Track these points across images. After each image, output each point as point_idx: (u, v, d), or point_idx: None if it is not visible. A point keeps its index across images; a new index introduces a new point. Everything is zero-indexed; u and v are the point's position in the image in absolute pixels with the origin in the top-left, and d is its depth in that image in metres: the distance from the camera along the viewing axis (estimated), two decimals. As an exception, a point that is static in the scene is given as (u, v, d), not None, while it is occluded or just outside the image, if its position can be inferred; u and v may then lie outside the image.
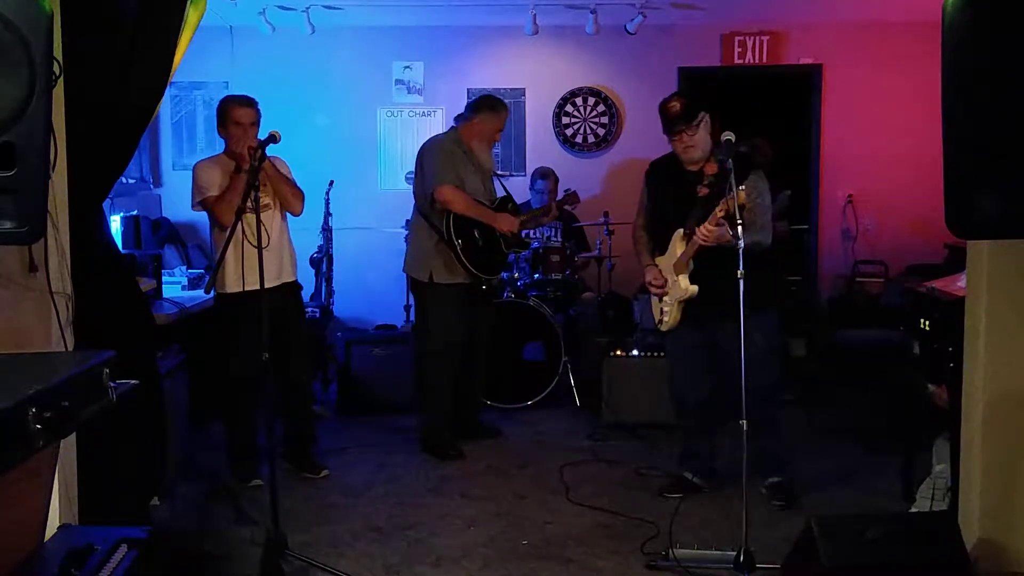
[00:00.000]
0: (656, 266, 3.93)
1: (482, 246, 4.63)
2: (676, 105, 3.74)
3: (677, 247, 3.78)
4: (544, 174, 6.14)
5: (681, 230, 3.74)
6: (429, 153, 4.66)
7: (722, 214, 3.42)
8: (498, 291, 5.38)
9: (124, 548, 2.18)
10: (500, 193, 4.84)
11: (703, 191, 3.72)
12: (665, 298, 3.90)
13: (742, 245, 3.16)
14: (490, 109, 4.71)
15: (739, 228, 3.16)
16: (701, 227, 3.53)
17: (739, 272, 3.14)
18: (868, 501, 3.95)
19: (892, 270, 6.47)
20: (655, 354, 5.12)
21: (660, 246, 3.94)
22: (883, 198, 6.62)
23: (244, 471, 4.20)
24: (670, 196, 3.86)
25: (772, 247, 3.81)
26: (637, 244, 4.08)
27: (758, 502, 3.75)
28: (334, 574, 3.21)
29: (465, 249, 4.55)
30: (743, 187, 3.31)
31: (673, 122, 3.74)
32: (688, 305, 3.79)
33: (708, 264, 3.62)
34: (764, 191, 3.78)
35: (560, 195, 5.47)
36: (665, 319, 3.91)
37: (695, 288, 3.47)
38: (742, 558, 3.04)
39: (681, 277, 3.75)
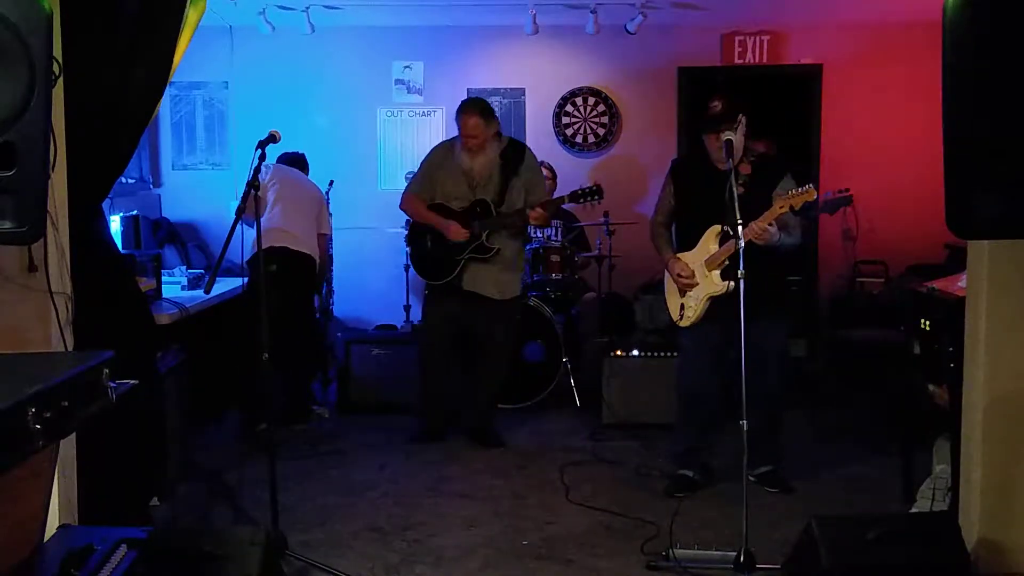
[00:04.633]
0: (680, 259, 3.96)
1: (430, 251, 4.80)
2: (718, 105, 3.80)
3: (711, 243, 3.81)
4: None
5: (717, 227, 3.76)
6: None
7: (784, 211, 3.57)
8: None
9: (124, 548, 2.19)
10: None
11: (738, 189, 3.75)
12: (690, 292, 3.92)
13: (786, 242, 3.61)
14: (458, 112, 4.81)
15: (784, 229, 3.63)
16: (756, 223, 3.59)
17: (740, 273, 3.18)
18: (868, 501, 3.95)
19: (892, 270, 6.46)
20: (655, 354, 5.13)
21: (686, 243, 3.98)
22: (883, 198, 6.60)
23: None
24: (701, 194, 3.87)
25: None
26: (656, 239, 4.12)
27: (759, 502, 3.75)
28: (334, 574, 3.21)
29: (413, 255, 4.97)
30: (805, 188, 3.53)
31: (714, 122, 3.78)
32: (713, 301, 3.80)
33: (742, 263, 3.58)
34: None
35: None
36: (688, 314, 3.93)
37: (731, 283, 3.45)
38: (742, 558, 3.04)
39: (714, 273, 3.78)
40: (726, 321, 3.78)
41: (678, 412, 4.22)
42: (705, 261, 3.84)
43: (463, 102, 4.82)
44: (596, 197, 4.72)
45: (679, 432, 4.22)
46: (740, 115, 3.79)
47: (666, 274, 4.07)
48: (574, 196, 4.71)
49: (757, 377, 3.88)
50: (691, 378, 4.09)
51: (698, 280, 3.87)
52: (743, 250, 3.38)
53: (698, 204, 3.89)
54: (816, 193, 3.57)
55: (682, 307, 3.96)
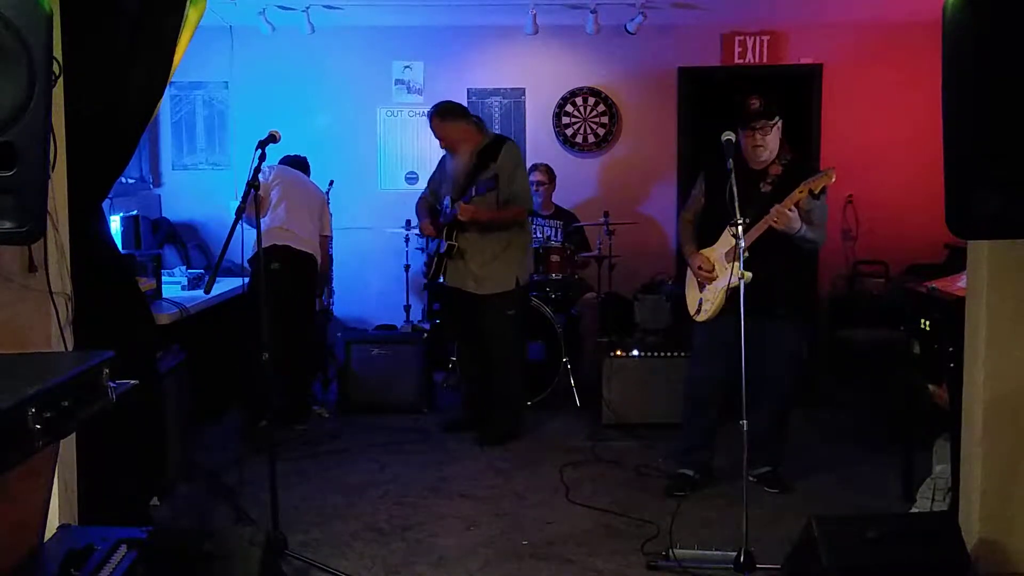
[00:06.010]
0: (702, 254, 3.98)
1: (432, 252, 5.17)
2: (756, 102, 3.83)
3: (731, 237, 3.82)
4: (534, 167, 6.14)
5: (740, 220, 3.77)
6: None
7: (803, 195, 3.59)
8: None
9: (124, 548, 2.19)
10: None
11: (766, 188, 3.84)
12: (709, 286, 3.93)
13: (808, 236, 3.63)
14: None
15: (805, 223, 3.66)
16: (777, 206, 3.64)
17: (740, 272, 3.19)
18: (868, 501, 3.95)
19: (892, 270, 6.46)
20: (655, 354, 5.13)
21: (709, 239, 3.99)
22: (883, 198, 6.61)
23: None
24: (729, 191, 3.87)
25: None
26: (683, 234, 4.17)
27: (759, 502, 3.75)
28: (334, 574, 3.21)
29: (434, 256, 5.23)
30: (824, 172, 3.57)
31: (752, 116, 3.81)
32: (733, 295, 3.80)
33: (761, 258, 3.57)
34: (823, 196, 3.82)
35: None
36: (706, 307, 3.93)
37: (749, 273, 3.45)
38: (742, 558, 3.04)
39: (734, 264, 3.78)
40: (745, 315, 3.78)
41: (685, 410, 4.22)
42: (726, 253, 3.87)
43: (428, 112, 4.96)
44: (491, 186, 4.64)
45: (684, 430, 4.21)
46: (778, 116, 3.85)
47: (688, 270, 4.10)
48: (479, 187, 4.65)
49: (768, 377, 3.88)
50: (700, 376, 4.09)
51: (718, 273, 3.89)
52: (764, 240, 3.42)
53: (725, 201, 3.89)
54: (835, 176, 3.59)
55: (700, 302, 3.96)
